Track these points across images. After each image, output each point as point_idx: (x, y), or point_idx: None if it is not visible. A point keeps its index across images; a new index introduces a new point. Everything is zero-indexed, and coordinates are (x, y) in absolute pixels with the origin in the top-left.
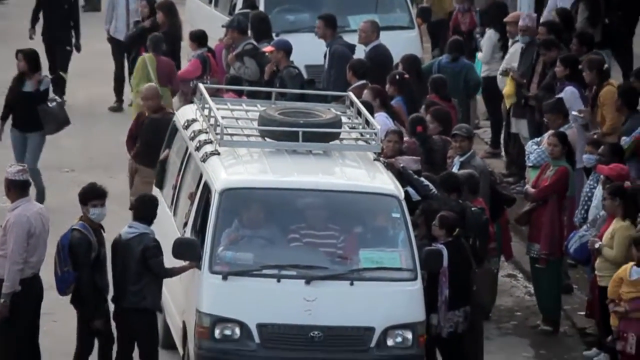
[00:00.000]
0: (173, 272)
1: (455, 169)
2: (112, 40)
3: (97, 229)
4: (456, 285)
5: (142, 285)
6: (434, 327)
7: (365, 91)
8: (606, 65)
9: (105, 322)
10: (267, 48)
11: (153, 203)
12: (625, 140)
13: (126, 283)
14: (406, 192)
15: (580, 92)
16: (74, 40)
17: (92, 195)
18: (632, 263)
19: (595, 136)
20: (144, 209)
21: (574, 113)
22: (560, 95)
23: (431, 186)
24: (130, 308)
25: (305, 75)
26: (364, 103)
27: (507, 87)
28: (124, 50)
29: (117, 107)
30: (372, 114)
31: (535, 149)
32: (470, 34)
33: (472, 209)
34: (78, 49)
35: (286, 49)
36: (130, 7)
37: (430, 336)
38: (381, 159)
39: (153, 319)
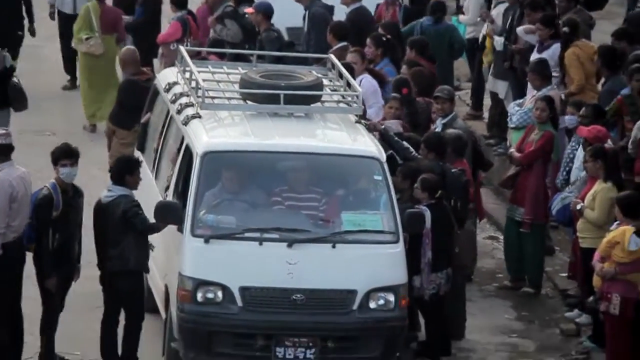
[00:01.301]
0: (159, 227)
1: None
2: (58, 14)
3: (69, 191)
4: (438, 247)
5: (122, 247)
6: (417, 289)
7: (352, 54)
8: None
9: (59, 284)
10: (248, 9)
11: (130, 164)
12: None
13: (107, 247)
14: (392, 155)
15: None
16: (27, 25)
17: (62, 154)
18: (631, 229)
19: (563, 96)
20: (122, 172)
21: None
22: (543, 56)
23: (412, 149)
24: (114, 271)
25: (286, 38)
26: (346, 65)
27: (487, 44)
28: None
29: (71, 86)
30: (353, 76)
31: (518, 110)
32: None
33: (452, 170)
34: (32, 34)
35: (266, 11)
36: None
37: (413, 298)
38: (363, 121)
39: (138, 280)
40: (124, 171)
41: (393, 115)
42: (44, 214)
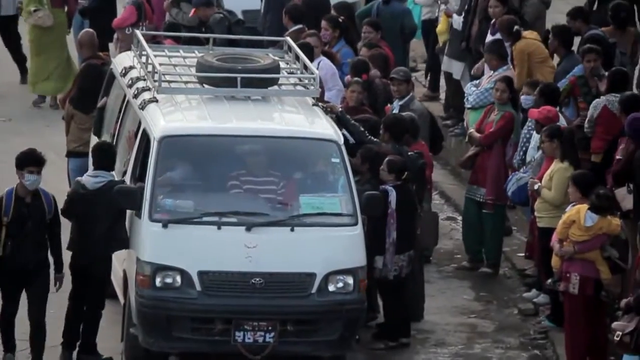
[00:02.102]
0: None
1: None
2: None
3: (25, 197)
4: (402, 229)
5: (116, 230)
6: (379, 271)
7: (312, 38)
8: (516, 27)
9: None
10: (192, 12)
11: (112, 150)
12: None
13: (97, 231)
14: (344, 136)
15: None
16: None
17: (29, 161)
18: (585, 207)
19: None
20: (105, 157)
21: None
22: (498, 36)
23: (367, 132)
24: (104, 256)
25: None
26: (304, 45)
27: (440, 24)
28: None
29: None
30: (312, 57)
31: (474, 91)
32: None
33: (409, 153)
34: None
35: (199, 3)
36: None
37: (374, 279)
38: (320, 104)
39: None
40: (107, 157)
41: (355, 98)
42: None
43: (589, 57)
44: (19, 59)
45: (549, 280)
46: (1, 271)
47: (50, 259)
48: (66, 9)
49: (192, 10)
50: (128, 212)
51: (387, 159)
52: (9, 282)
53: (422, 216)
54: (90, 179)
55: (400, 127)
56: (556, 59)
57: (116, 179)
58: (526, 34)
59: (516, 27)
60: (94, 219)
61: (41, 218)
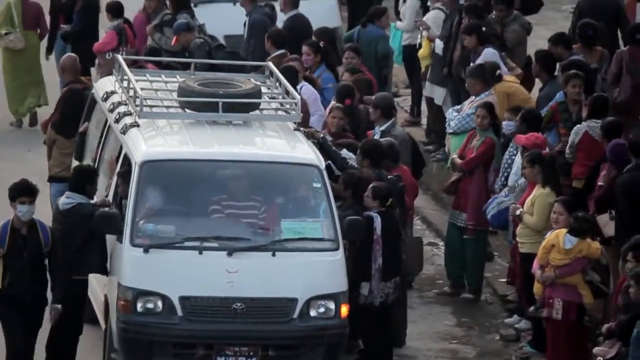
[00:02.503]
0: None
1: (376, 138)
2: None
3: (21, 228)
4: (387, 255)
5: (86, 253)
6: (364, 297)
7: (295, 62)
8: (498, 71)
9: (11, 323)
10: (173, 41)
11: (90, 174)
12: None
13: (71, 252)
14: (329, 165)
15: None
16: None
17: (20, 192)
18: (564, 230)
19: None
20: (81, 181)
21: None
22: (480, 61)
23: (348, 158)
24: (75, 279)
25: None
26: (289, 69)
27: (422, 49)
28: None
29: None
30: (296, 80)
31: (456, 116)
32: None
33: (389, 177)
34: None
35: (179, 29)
36: None
37: (360, 306)
38: (301, 129)
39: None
40: (84, 180)
41: (337, 125)
42: None
43: (574, 82)
44: None
45: (532, 308)
46: (1, 304)
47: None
48: (38, 31)
49: (174, 38)
50: (109, 237)
51: (371, 185)
52: (8, 316)
53: (407, 242)
54: (62, 199)
55: (377, 153)
56: (538, 84)
57: (90, 201)
58: (506, 77)
59: (498, 71)
60: (63, 240)
61: (38, 250)
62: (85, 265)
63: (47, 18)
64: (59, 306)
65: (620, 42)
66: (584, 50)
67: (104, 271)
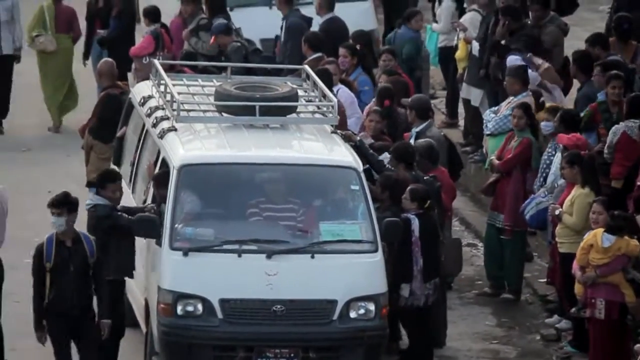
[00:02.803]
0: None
1: (412, 140)
2: None
3: (66, 241)
4: (426, 257)
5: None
6: (404, 299)
7: (331, 65)
8: (542, 99)
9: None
10: (212, 40)
11: (111, 173)
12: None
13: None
14: (369, 169)
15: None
16: None
17: (49, 203)
18: (601, 230)
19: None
20: (103, 181)
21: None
22: (522, 63)
23: (384, 161)
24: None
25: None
26: (324, 72)
27: (459, 50)
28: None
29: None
30: (331, 83)
31: (493, 117)
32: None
33: (425, 178)
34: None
35: (223, 31)
36: (2, 19)
37: (400, 308)
38: (338, 131)
39: (118, 289)
40: (105, 180)
41: (374, 128)
42: (34, 265)
43: (614, 83)
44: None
45: (573, 309)
46: (48, 319)
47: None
48: (72, 35)
49: (212, 38)
50: (148, 240)
51: (409, 187)
52: (56, 330)
53: (445, 243)
54: (87, 201)
55: (409, 155)
56: (576, 84)
57: (108, 203)
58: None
59: (542, 98)
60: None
61: (83, 262)
62: (105, 267)
63: (83, 23)
64: (109, 321)
65: None
66: (618, 44)
67: (127, 274)
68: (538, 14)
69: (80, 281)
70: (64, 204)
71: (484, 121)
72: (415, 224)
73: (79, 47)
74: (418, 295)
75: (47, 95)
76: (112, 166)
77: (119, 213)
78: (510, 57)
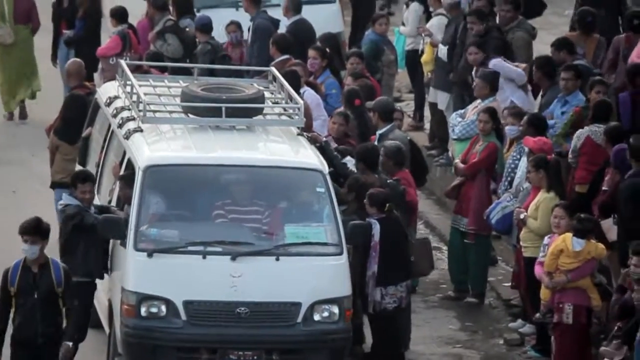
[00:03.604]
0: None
1: (375, 142)
2: None
3: (31, 267)
4: (392, 259)
5: (70, 256)
6: (377, 303)
7: (298, 67)
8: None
9: None
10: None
11: (83, 174)
12: (556, 115)
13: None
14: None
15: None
16: None
17: (23, 230)
18: (569, 234)
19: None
20: (74, 180)
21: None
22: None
23: (348, 164)
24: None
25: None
26: (291, 74)
27: (425, 54)
28: None
29: None
30: (299, 84)
31: (460, 122)
32: None
33: (388, 181)
34: None
35: (202, 26)
36: None
37: (374, 312)
38: (304, 133)
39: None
40: (76, 180)
41: (337, 130)
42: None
43: (598, 89)
44: None
45: (538, 314)
46: (12, 346)
47: None
48: (30, 26)
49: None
50: (112, 241)
51: (368, 192)
52: (19, 358)
53: (413, 243)
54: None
55: (371, 157)
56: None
57: (78, 204)
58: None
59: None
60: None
61: (49, 290)
62: (73, 268)
63: (47, 21)
64: (70, 343)
65: (622, 30)
66: (581, 37)
67: (90, 275)
68: (509, 15)
69: (46, 309)
70: (37, 232)
71: (450, 125)
72: (376, 228)
73: (38, 38)
74: (379, 300)
75: (5, 87)
76: (78, 166)
77: (88, 213)
78: (494, 61)
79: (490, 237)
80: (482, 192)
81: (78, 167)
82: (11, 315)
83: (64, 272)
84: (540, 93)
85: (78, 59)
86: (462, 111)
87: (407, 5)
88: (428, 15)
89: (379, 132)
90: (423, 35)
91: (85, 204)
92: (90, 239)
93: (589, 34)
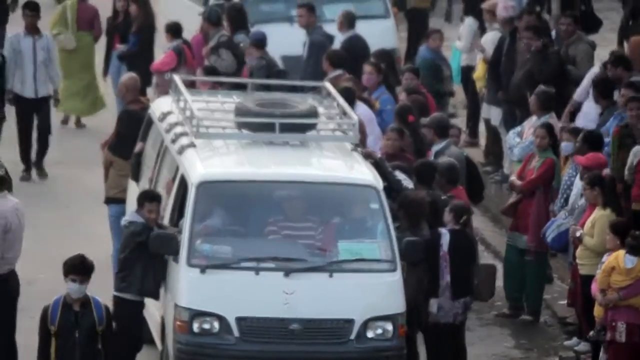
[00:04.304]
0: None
1: (431, 158)
2: (17, 99)
3: (73, 305)
4: (456, 274)
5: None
6: (433, 315)
7: (348, 83)
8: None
9: None
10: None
11: (150, 193)
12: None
13: None
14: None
15: None
16: None
17: (71, 269)
18: (622, 252)
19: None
20: (140, 199)
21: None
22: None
23: (403, 181)
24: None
25: (281, 66)
26: (345, 90)
27: (478, 70)
28: (32, 111)
29: (26, 177)
30: (353, 100)
31: (519, 143)
32: None
33: (442, 197)
34: None
35: (256, 41)
36: (38, 58)
37: (427, 324)
38: (359, 149)
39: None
40: (143, 199)
41: (392, 146)
42: (39, 327)
43: (631, 106)
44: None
45: (592, 332)
46: None
47: None
48: (93, 32)
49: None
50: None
51: (451, 201)
52: None
53: (480, 267)
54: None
55: (427, 173)
56: None
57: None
58: None
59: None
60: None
61: (91, 328)
62: (125, 283)
63: (102, 37)
64: None
65: None
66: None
67: (145, 294)
68: (569, 28)
69: (86, 348)
70: (84, 271)
71: (508, 145)
72: (445, 239)
73: (99, 46)
74: (445, 311)
75: (64, 91)
76: (130, 182)
77: (152, 231)
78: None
79: (548, 254)
80: (540, 208)
81: (131, 183)
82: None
83: (105, 311)
84: (599, 111)
85: (134, 74)
86: (519, 129)
87: (462, 20)
88: (483, 30)
89: (434, 148)
90: (477, 50)
91: (150, 223)
92: (151, 259)
93: None
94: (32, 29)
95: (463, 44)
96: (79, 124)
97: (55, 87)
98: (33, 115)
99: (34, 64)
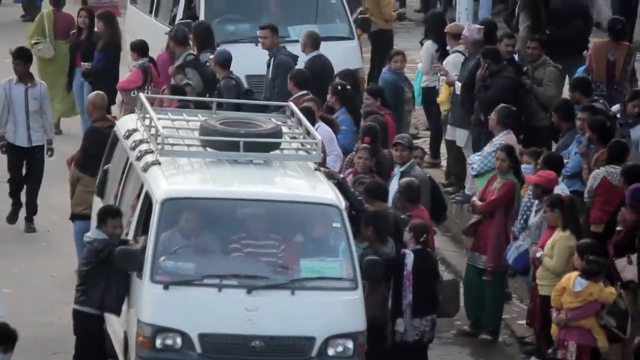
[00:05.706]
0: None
1: (395, 179)
2: (9, 147)
3: None
4: (422, 293)
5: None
6: (399, 334)
7: (310, 103)
8: None
9: None
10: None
11: (112, 210)
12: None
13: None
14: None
15: None
16: None
17: None
18: (575, 273)
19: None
20: (103, 216)
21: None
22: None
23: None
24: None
25: (245, 85)
26: (306, 110)
27: (441, 94)
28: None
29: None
30: (313, 120)
31: (477, 157)
32: None
33: (402, 216)
34: None
35: (222, 61)
36: (30, 108)
37: (394, 343)
38: (321, 169)
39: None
40: (106, 215)
41: (363, 165)
42: None
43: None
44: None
45: (550, 350)
46: None
47: None
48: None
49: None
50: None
51: (411, 221)
52: None
53: (443, 283)
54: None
55: (380, 192)
56: None
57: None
58: None
59: None
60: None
61: None
62: (86, 297)
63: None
64: None
65: None
66: (612, 44)
67: (107, 310)
68: (534, 52)
69: None
70: (5, 341)
71: (468, 163)
72: (410, 259)
73: None
74: (408, 331)
75: None
76: (95, 198)
77: (115, 247)
78: None
79: (507, 274)
80: (500, 229)
81: (96, 199)
82: None
83: None
84: (560, 135)
85: (102, 92)
86: (480, 152)
87: (422, 44)
88: (444, 53)
89: (400, 169)
90: (439, 74)
91: (114, 239)
92: (114, 275)
93: (619, 41)
94: (23, 77)
95: (422, 66)
96: (57, 128)
97: (49, 137)
98: (23, 163)
99: (26, 112)
